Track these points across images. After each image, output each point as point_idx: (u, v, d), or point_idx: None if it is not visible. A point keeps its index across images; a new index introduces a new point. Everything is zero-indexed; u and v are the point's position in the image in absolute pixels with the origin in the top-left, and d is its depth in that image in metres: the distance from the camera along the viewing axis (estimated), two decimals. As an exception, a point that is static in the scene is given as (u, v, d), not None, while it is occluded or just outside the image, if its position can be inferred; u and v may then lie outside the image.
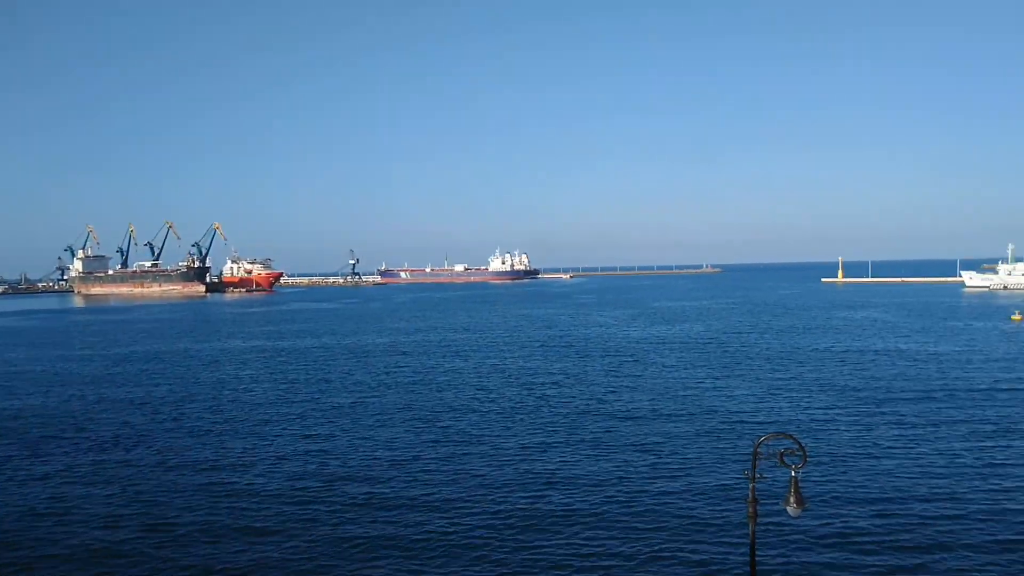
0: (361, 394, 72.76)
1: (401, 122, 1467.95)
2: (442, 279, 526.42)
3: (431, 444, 51.92)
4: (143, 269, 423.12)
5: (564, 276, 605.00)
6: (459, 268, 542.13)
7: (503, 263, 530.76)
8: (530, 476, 43.55)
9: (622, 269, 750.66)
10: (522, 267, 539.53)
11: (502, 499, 39.42)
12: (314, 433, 56.29)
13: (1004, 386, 69.56)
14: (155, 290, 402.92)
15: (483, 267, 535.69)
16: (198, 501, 40.26)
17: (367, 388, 76.15)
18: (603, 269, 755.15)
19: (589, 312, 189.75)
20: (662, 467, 44.87)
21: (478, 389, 74.16)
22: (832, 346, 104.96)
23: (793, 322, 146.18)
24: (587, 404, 65.15)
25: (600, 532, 34.38)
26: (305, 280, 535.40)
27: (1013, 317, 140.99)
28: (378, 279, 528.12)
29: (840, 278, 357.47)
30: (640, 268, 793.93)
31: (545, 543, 33.33)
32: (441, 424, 58.30)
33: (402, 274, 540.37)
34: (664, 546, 32.54)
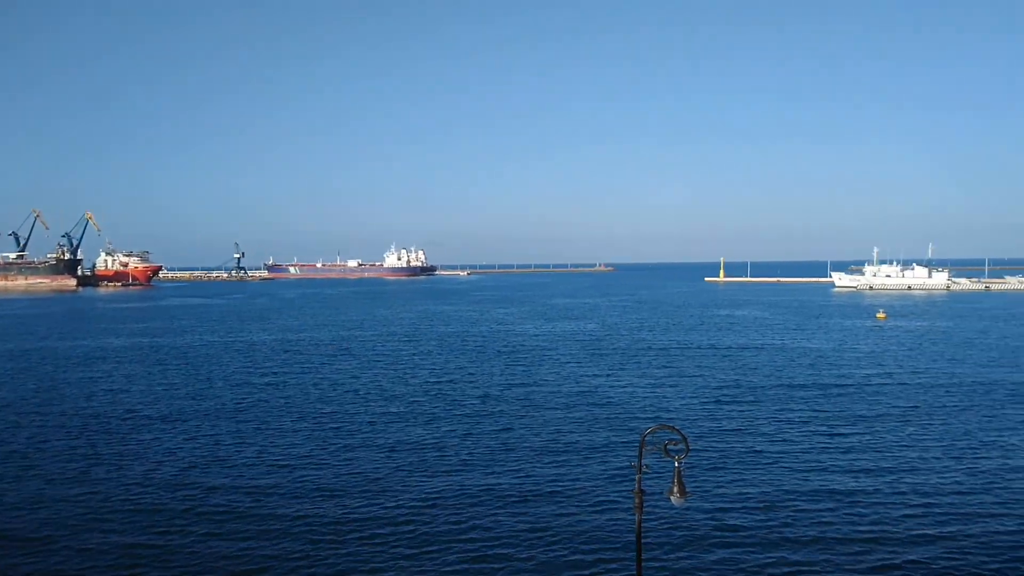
0: (245, 394, 69.47)
1: (293, 113, 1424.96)
2: (334, 274, 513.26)
3: (320, 447, 50.14)
4: (6, 261, 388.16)
5: (462, 273, 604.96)
6: (353, 263, 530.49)
7: (399, 259, 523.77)
8: (424, 477, 42.80)
9: (519, 267, 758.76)
10: (419, 263, 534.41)
11: (393, 502, 38.48)
12: (194, 435, 53.14)
13: (874, 380, 74.94)
14: (20, 283, 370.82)
15: (378, 263, 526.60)
16: (68, 512, 36.99)
17: (251, 388, 72.81)
18: (500, 266, 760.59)
19: (486, 309, 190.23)
20: (556, 462, 45.25)
21: (371, 388, 72.48)
22: (715, 342, 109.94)
23: (679, 319, 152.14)
24: (483, 401, 64.97)
25: (494, 530, 34.15)
26: (186, 275, 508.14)
27: (878, 315, 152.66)
28: (265, 274, 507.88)
29: (722, 277, 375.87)
30: (537, 266, 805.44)
31: (440, 543, 32.75)
32: (332, 425, 56.46)
33: (291, 269, 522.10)
34: (556, 540, 32.71)
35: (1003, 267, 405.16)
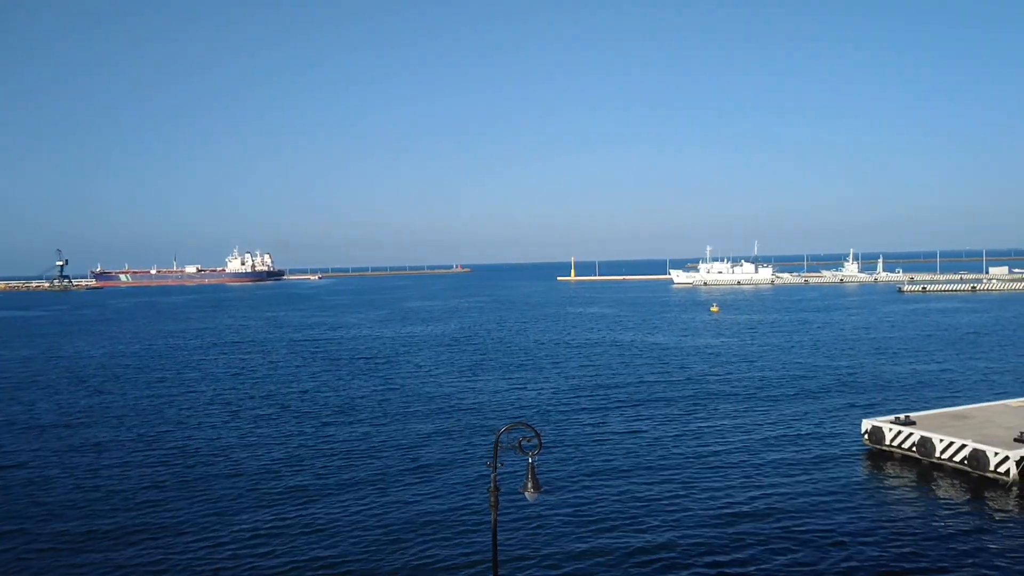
0: (67, 413, 62.46)
1: (129, 108, 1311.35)
2: (170, 281, 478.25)
3: (160, 463, 45.90)
4: None
5: (312, 277, 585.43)
6: (191, 269, 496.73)
7: (243, 263, 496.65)
8: (277, 492, 40.23)
9: (374, 270, 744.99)
10: (265, 268, 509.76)
11: (247, 518, 35.79)
12: (14, 464, 46.84)
13: (713, 371, 79.95)
14: None
15: (220, 268, 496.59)
16: None
17: (74, 407, 65.62)
18: (355, 270, 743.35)
19: (341, 314, 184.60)
20: (415, 466, 44.17)
21: (215, 402, 67.66)
22: (568, 339, 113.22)
23: (535, 318, 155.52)
24: (339, 411, 62.48)
25: (355, 536, 32.63)
26: (1, 284, 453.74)
27: (712, 309, 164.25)
28: (93, 283, 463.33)
29: (573, 277, 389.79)
30: (392, 269, 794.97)
31: (297, 555, 30.78)
32: (172, 443, 51.93)
33: (122, 276, 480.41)
34: (415, 542, 31.78)
35: (819, 262, 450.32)
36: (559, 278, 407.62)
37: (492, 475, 16.47)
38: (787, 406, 60.37)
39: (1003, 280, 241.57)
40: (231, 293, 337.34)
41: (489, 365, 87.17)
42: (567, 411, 59.94)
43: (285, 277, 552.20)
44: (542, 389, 70.55)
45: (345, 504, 38.14)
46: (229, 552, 32.25)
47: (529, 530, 33.66)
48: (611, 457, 45.80)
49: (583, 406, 61.70)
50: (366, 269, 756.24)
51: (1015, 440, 40.05)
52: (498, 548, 18.21)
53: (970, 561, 29.42)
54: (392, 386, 74.01)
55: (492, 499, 16.60)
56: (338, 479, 42.65)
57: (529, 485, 15.97)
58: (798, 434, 50.88)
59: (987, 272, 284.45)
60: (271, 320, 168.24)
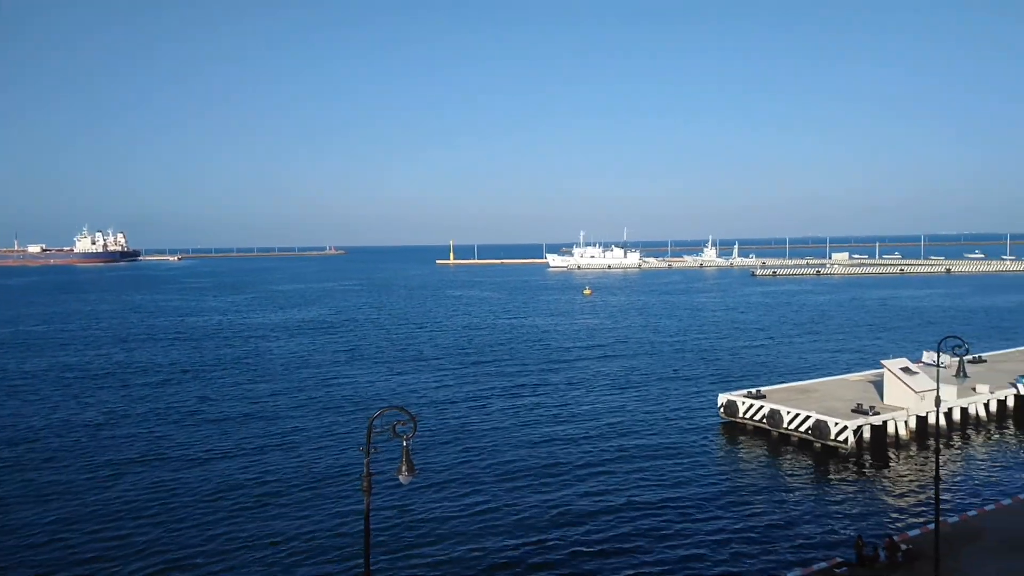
0: None
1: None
2: (11, 262, 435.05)
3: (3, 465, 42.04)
4: None
5: (172, 258, 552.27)
6: (34, 249, 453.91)
7: (93, 243, 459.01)
8: (134, 492, 37.94)
9: (240, 251, 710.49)
10: (118, 248, 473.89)
11: (118, 521, 33.56)
12: None
13: (588, 351, 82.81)
14: None
15: (67, 248, 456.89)
16: None
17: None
18: (218, 251, 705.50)
19: (204, 297, 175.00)
20: (288, 458, 43.01)
21: (64, 395, 62.60)
22: (448, 322, 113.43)
23: (414, 302, 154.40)
24: (202, 401, 59.55)
25: (225, 529, 31.41)
26: None
27: (585, 292, 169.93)
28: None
29: (452, 260, 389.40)
30: (260, 249, 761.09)
31: (164, 549, 29.26)
32: (10, 440, 47.61)
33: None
34: (288, 530, 31.10)
35: (682, 248, 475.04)
36: (438, 261, 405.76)
37: (365, 460, 16.47)
38: (654, 382, 63.65)
39: (844, 265, 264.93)
40: (80, 275, 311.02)
41: (367, 350, 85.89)
42: (448, 393, 60.25)
43: (141, 258, 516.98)
44: (422, 372, 70.44)
45: (213, 496, 36.60)
46: (61, 545, 30.19)
47: (400, 513, 33.76)
48: (485, 437, 46.59)
49: (464, 388, 62.22)
50: (231, 250, 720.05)
51: (852, 411, 44.43)
52: (371, 532, 18.17)
53: (812, 518, 32.48)
54: (261, 373, 71.37)
55: (365, 484, 16.54)
56: (205, 472, 40.81)
57: (403, 468, 16.11)
58: (663, 408, 53.87)
59: (830, 257, 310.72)
60: (125, 304, 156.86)
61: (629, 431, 47.79)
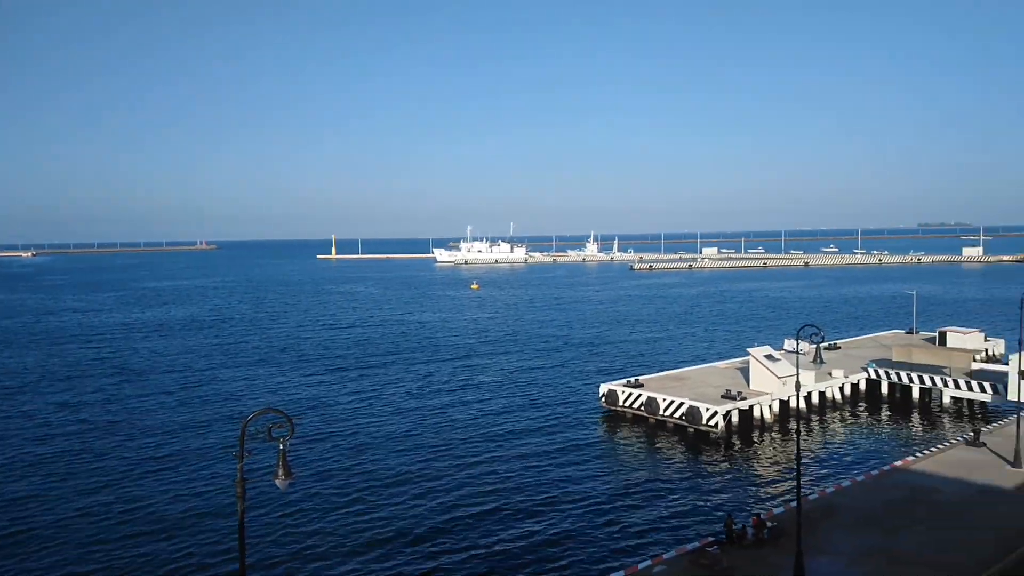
0: None
1: None
2: None
3: None
4: None
5: (25, 254, 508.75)
6: None
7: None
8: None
9: (101, 246, 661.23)
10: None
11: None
12: None
13: (479, 347, 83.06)
14: None
15: None
16: None
17: None
18: (77, 246, 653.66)
19: (62, 296, 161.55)
20: (157, 467, 40.53)
21: None
22: (332, 319, 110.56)
23: (296, 299, 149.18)
24: (61, 409, 55.03)
25: (91, 539, 29.20)
26: None
27: (472, 286, 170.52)
28: None
29: (334, 255, 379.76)
30: (124, 245, 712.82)
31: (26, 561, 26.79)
32: None
33: None
34: (160, 537, 29.39)
35: (565, 243, 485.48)
36: (319, 256, 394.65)
37: (238, 465, 15.80)
38: (540, 375, 64.79)
39: (713, 259, 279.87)
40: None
41: (244, 350, 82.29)
42: (331, 394, 58.74)
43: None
44: (304, 373, 68.31)
45: (80, 507, 33.93)
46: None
47: (276, 518, 32.67)
48: (375, 437, 45.85)
49: (348, 388, 60.86)
50: (92, 245, 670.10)
51: (722, 397, 47.04)
52: (246, 541, 17.49)
53: (686, 500, 34.15)
54: (128, 377, 66.85)
55: (238, 490, 15.82)
56: (64, 487, 37.77)
57: (280, 472, 15.50)
58: (548, 400, 54.96)
59: (700, 252, 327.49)
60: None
61: (515, 425, 48.42)
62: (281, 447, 15.67)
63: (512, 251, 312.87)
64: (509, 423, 48.80)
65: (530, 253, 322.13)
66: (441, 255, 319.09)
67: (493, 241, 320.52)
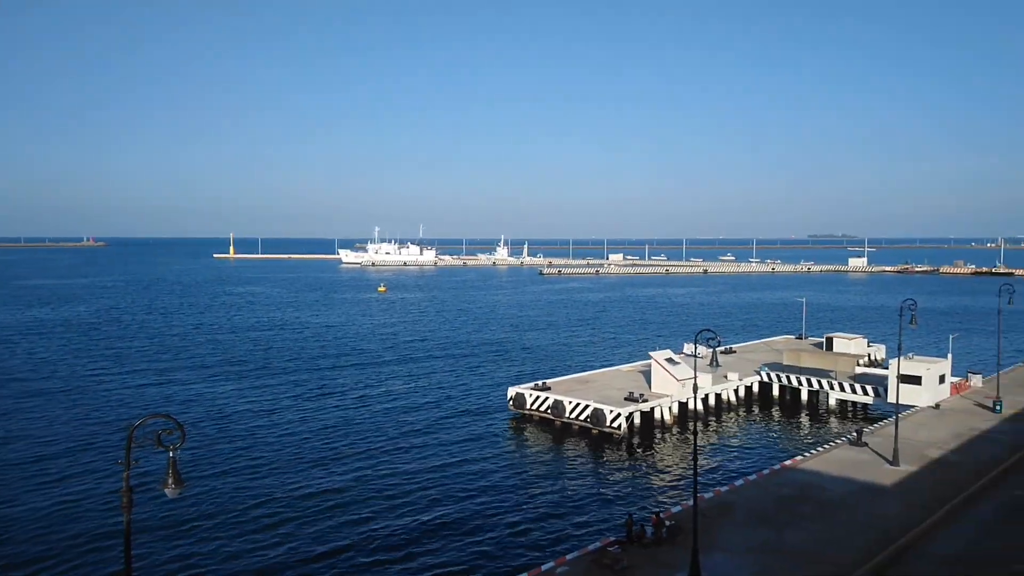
0: None
1: None
2: None
3: None
4: None
5: None
6: None
7: None
8: None
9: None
10: None
11: None
12: None
13: (386, 351, 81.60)
14: None
15: None
16: None
17: None
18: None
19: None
20: (37, 477, 37.63)
21: None
22: (231, 322, 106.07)
23: (193, 299, 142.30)
24: (-77, 414, 50.21)
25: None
26: None
27: (380, 289, 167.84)
28: None
29: (232, 254, 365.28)
30: (2, 240, 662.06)
31: None
32: None
33: None
34: (36, 552, 27.23)
35: (476, 246, 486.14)
36: (216, 255, 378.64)
37: (125, 474, 14.92)
38: (450, 380, 64.37)
39: (619, 265, 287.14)
40: None
41: (134, 353, 77.76)
42: (230, 400, 56.28)
43: None
44: (200, 378, 65.17)
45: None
46: None
47: (166, 530, 30.99)
48: (277, 445, 44.24)
49: (248, 394, 58.48)
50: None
51: (625, 399, 48.13)
52: (132, 553, 16.49)
53: (589, 501, 34.67)
54: (1, 381, 61.86)
55: (124, 500, 14.96)
56: (-77, 500, 34.43)
57: (170, 480, 14.77)
58: (458, 405, 54.65)
59: (607, 258, 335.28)
60: None
61: (422, 430, 47.85)
62: (171, 454, 14.92)
63: (421, 253, 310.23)
64: (416, 428, 48.19)
65: (440, 256, 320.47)
66: (347, 256, 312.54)
67: (402, 243, 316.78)
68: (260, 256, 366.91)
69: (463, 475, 38.55)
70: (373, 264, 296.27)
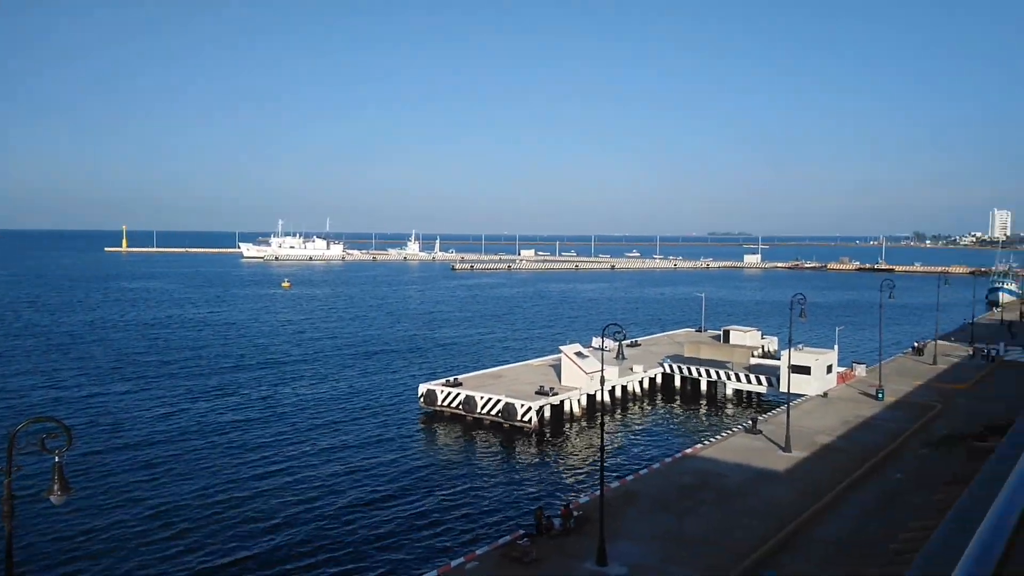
0: None
1: None
2: None
3: None
4: None
5: None
6: None
7: None
8: None
9: None
10: None
11: None
12: None
13: (292, 348, 79.30)
14: None
15: None
16: None
17: None
18: None
19: None
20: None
21: None
22: (125, 318, 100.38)
23: (81, 295, 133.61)
24: None
25: None
26: None
27: (284, 284, 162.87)
28: None
29: (125, 247, 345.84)
30: None
31: None
32: None
33: None
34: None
35: (386, 241, 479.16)
36: (107, 248, 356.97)
37: (6, 481, 14.09)
38: (358, 374, 63.41)
39: (531, 261, 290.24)
40: None
41: (16, 353, 72.51)
42: (124, 402, 53.37)
43: None
44: (90, 379, 61.46)
45: None
46: None
47: (48, 539, 29.24)
48: (176, 449, 42.33)
49: (143, 395, 55.61)
50: None
51: (536, 393, 48.81)
52: (13, 564, 15.57)
53: (500, 495, 35.02)
54: None
55: (5, 508, 14.13)
56: None
57: (55, 487, 14.03)
58: (368, 403, 53.91)
59: (519, 254, 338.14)
60: None
61: (331, 430, 46.95)
62: (57, 459, 14.18)
63: (328, 248, 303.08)
64: (324, 430, 47.21)
65: (348, 251, 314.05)
66: (249, 250, 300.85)
67: (307, 237, 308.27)
68: (155, 250, 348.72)
69: (372, 476, 38.11)
70: (277, 258, 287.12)
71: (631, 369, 57.21)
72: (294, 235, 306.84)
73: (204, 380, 60.94)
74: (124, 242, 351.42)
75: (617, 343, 27.96)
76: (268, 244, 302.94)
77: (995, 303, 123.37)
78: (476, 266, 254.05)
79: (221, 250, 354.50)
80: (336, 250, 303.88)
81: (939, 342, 68.99)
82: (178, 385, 58.77)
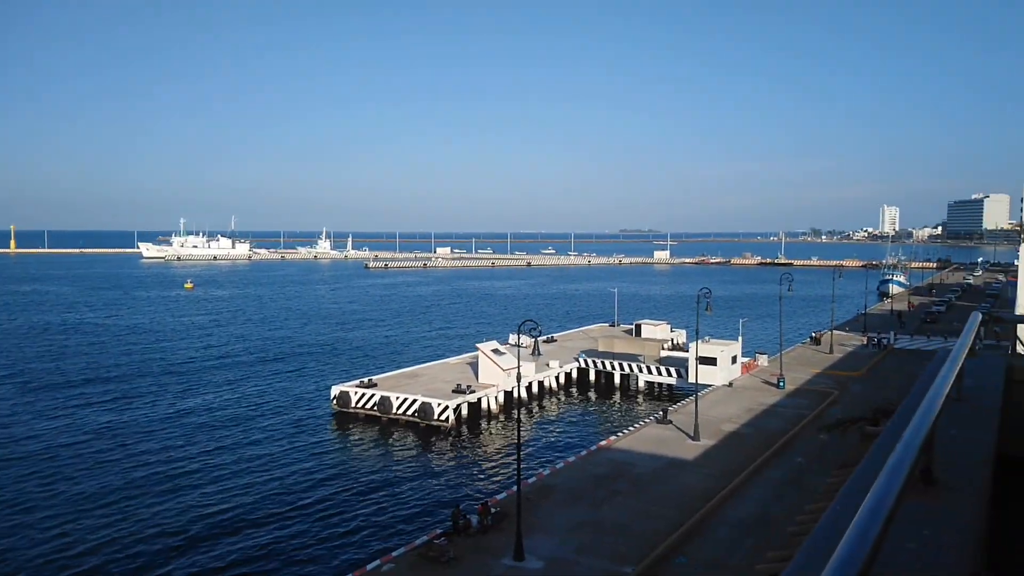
0: None
1: None
2: None
3: None
4: None
5: None
6: None
7: None
8: None
9: None
10: None
11: None
12: None
13: (196, 351, 75.86)
14: None
15: None
16: None
17: None
18: None
19: None
20: None
21: None
22: (8, 324, 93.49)
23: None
24: None
25: None
26: None
27: (186, 285, 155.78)
28: None
29: (13, 248, 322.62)
30: None
31: None
32: None
33: None
34: None
35: (295, 239, 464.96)
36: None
37: None
38: (268, 378, 61.44)
39: (447, 258, 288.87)
40: None
41: None
42: (14, 413, 49.81)
43: None
44: (-33, 388, 56.97)
45: None
46: None
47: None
48: (75, 461, 39.87)
49: (38, 406, 52.14)
50: None
51: (453, 391, 48.60)
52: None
53: (418, 495, 34.70)
54: None
55: None
56: None
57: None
58: (278, 407, 52.34)
59: (435, 252, 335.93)
60: None
61: (241, 436, 45.33)
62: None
63: (234, 247, 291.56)
64: (232, 436, 45.51)
65: (255, 249, 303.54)
66: (148, 250, 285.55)
67: (211, 235, 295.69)
68: (47, 251, 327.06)
69: (285, 482, 37.04)
70: (179, 258, 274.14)
71: (547, 365, 57.81)
72: (197, 234, 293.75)
73: (104, 390, 57.59)
74: (12, 242, 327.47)
75: (533, 339, 28.16)
76: (169, 243, 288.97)
77: (886, 294, 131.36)
78: (390, 264, 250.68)
79: (119, 250, 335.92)
80: (242, 249, 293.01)
81: (835, 332, 72.99)
82: (74, 396, 55.29)
